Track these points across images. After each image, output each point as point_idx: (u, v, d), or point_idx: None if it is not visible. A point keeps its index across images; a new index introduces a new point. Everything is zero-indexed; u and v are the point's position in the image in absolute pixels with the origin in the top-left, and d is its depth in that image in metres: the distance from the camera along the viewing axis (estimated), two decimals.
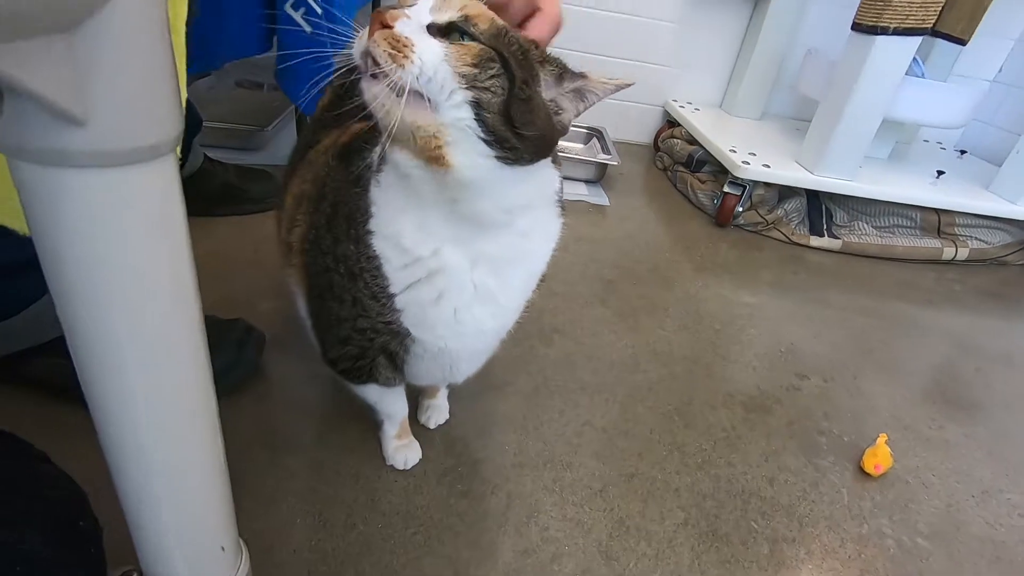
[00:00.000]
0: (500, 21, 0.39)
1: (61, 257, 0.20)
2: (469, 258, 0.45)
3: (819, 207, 1.41)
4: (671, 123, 1.80)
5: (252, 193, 1.07)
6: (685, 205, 1.50)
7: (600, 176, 1.54)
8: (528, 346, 0.87)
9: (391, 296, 0.46)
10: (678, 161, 1.62)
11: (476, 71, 0.36)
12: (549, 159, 0.43)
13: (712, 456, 0.74)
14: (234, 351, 0.69)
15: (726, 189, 1.36)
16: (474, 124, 0.36)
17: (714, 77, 1.83)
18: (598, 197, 1.45)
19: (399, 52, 0.34)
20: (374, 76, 0.35)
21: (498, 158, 0.38)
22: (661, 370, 0.88)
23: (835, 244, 1.37)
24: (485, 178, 0.39)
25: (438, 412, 0.71)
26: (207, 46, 1.02)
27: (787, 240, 1.37)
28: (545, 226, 0.48)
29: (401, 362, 0.52)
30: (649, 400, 0.81)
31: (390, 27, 0.35)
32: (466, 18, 0.37)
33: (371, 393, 0.59)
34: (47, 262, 0.20)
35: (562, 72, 0.40)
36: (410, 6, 0.37)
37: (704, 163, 1.52)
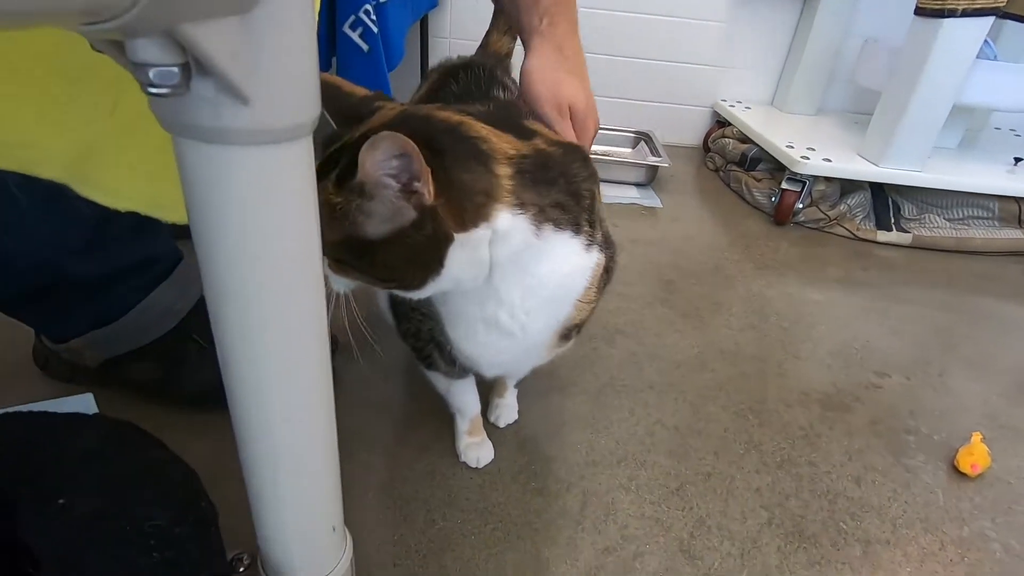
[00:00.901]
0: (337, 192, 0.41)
1: (214, 226, 0.21)
2: (475, 302, 0.46)
3: (885, 201, 1.35)
4: (721, 123, 1.77)
5: None
6: (740, 205, 1.47)
7: (651, 179, 1.52)
8: (591, 347, 0.87)
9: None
10: (731, 161, 1.58)
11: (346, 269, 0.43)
12: (466, 234, 0.40)
13: (792, 455, 0.71)
14: None
15: (784, 186, 1.32)
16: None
17: (764, 74, 1.79)
18: (650, 199, 1.44)
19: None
20: None
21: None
22: (730, 369, 0.85)
23: (905, 238, 1.30)
24: (421, 294, 0.43)
25: (507, 411, 0.72)
26: None
27: (852, 236, 1.32)
28: (545, 256, 0.44)
29: (448, 353, 0.53)
30: (720, 399, 0.79)
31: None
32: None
33: (440, 382, 0.61)
34: (200, 233, 0.22)
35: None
36: None
37: (759, 161, 1.49)
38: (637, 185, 1.52)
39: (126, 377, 0.66)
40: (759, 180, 1.46)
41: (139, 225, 0.64)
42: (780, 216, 1.35)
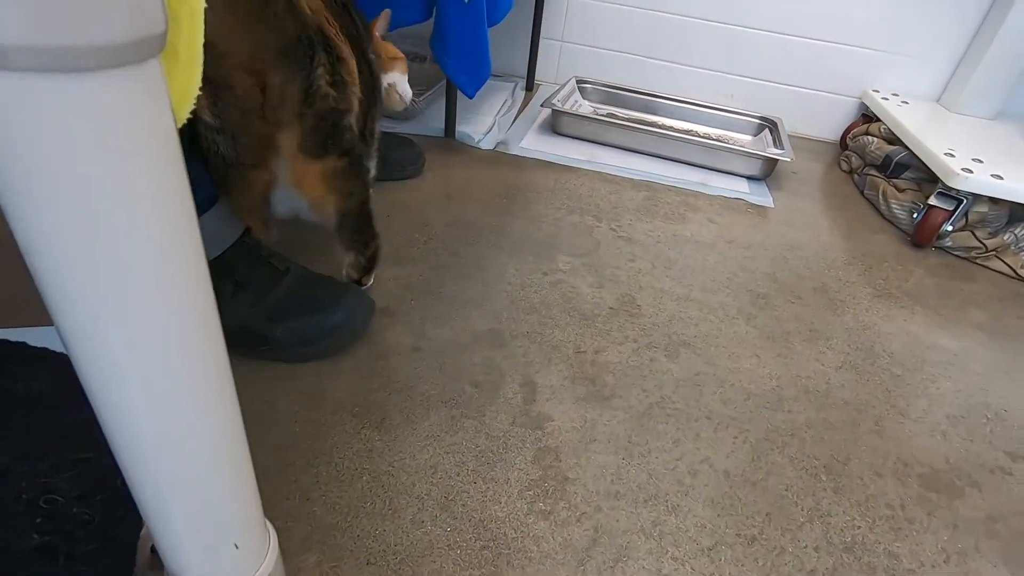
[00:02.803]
0: None
1: (9, 178, 0.15)
2: None
3: None
4: (867, 117, 1.51)
5: (391, 159, 1.08)
6: (872, 216, 1.25)
7: (767, 173, 1.34)
8: (649, 356, 0.76)
9: None
10: (870, 163, 1.35)
11: None
12: None
13: (868, 538, 0.57)
14: (342, 315, 0.69)
15: (932, 202, 1.10)
16: None
17: (934, 64, 1.50)
18: (761, 196, 1.26)
19: None
20: None
21: None
22: (812, 413, 0.71)
23: None
24: None
25: None
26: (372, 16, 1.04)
27: (1013, 274, 1.07)
28: None
29: None
30: (791, 448, 0.66)
31: None
32: None
33: None
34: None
35: None
36: None
37: (905, 167, 1.25)
38: (749, 178, 1.34)
39: None
40: (901, 190, 1.23)
41: (188, 150, 0.63)
42: (920, 237, 1.12)
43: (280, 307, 0.67)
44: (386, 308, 0.78)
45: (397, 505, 0.54)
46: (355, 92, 0.63)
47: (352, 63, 0.63)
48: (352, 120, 0.64)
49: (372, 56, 0.73)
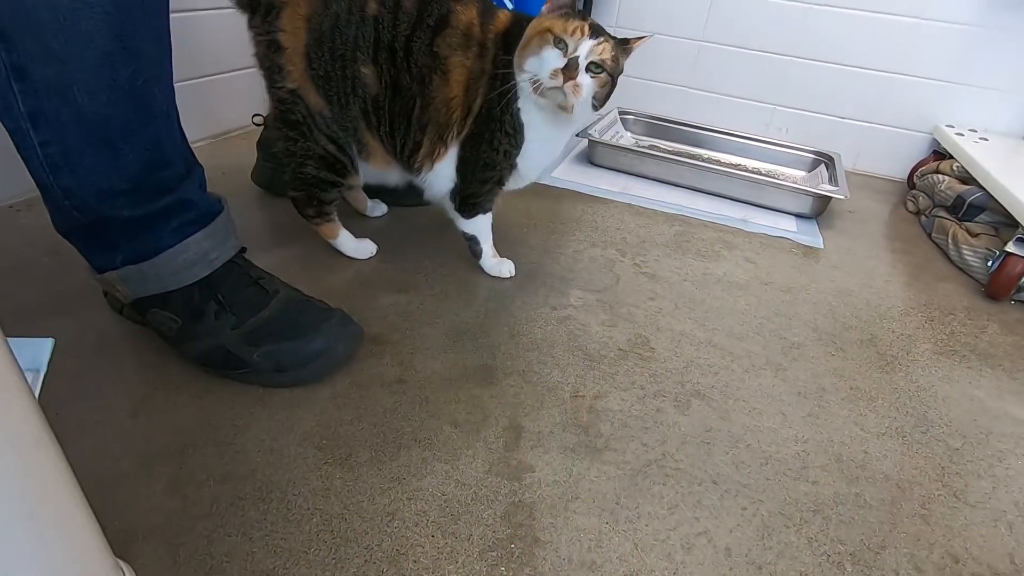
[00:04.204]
0: (613, 49, 0.71)
1: None
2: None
3: None
4: (939, 154, 1.38)
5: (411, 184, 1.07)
6: (939, 263, 1.11)
7: (818, 212, 1.23)
8: (655, 406, 0.69)
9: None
10: (940, 203, 1.22)
11: (602, 89, 0.72)
12: None
13: None
14: (321, 343, 0.66)
15: (1011, 248, 0.96)
16: (592, 104, 0.73)
17: (1020, 96, 1.35)
18: (810, 236, 1.16)
19: (577, 93, 0.69)
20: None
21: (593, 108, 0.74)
22: (842, 487, 0.61)
23: None
24: (582, 114, 0.75)
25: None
26: None
27: None
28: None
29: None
30: (811, 527, 0.56)
31: (574, 78, 0.68)
32: (600, 62, 0.70)
33: (481, 222, 0.87)
34: None
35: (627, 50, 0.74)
36: (574, 53, 0.69)
37: (980, 209, 1.11)
38: (798, 216, 1.24)
39: (149, 322, 0.66)
40: (975, 235, 1.09)
41: (186, 172, 0.64)
42: (996, 288, 0.99)
43: (260, 331, 0.65)
44: (378, 336, 0.75)
45: (343, 555, 0.49)
46: (291, 67, 0.76)
47: (290, 49, 0.75)
48: (279, 87, 0.77)
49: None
